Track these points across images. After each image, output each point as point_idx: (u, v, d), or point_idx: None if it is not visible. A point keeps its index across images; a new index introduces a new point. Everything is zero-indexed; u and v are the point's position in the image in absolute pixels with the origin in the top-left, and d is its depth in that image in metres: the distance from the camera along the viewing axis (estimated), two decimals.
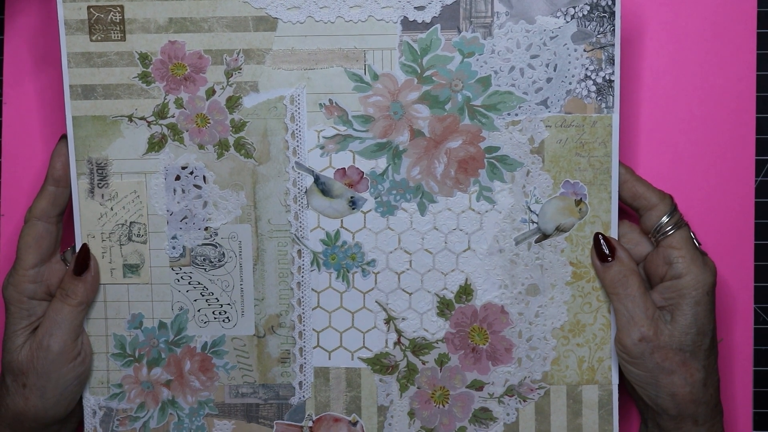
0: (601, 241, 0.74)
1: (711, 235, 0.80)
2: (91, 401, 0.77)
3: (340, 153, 0.75)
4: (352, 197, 0.75)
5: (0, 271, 0.82)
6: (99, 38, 0.74)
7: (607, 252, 0.74)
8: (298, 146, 0.75)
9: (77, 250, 0.76)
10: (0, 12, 0.82)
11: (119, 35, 0.74)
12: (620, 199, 0.75)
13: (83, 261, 0.75)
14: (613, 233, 0.75)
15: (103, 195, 0.75)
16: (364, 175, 0.75)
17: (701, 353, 0.72)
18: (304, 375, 0.76)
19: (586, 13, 0.73)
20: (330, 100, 0.74)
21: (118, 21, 0.74)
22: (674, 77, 0.80)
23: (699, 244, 0.74)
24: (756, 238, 0.80)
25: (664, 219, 0.74)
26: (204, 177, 0.75)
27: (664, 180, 0.80)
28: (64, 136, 0.75)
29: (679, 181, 0.80)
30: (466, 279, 0.76)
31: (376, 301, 0.76)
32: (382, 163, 0.75)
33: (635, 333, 0.72)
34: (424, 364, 0.76)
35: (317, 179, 0.75)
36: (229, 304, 0.76)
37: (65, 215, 0.76)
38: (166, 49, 0.74)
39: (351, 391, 0.76)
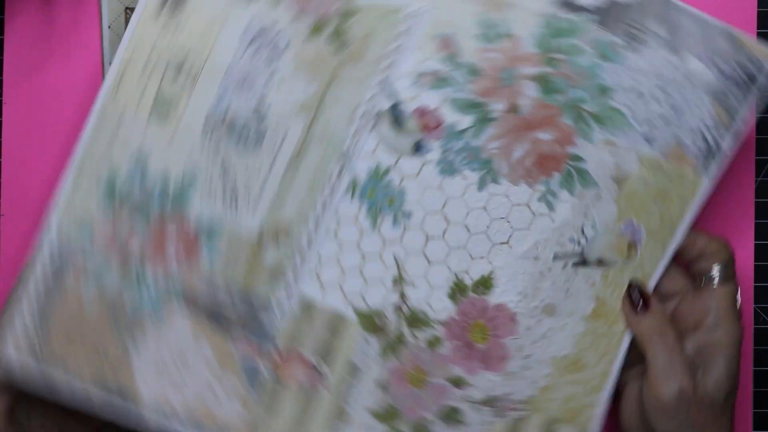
0: (637, 290, 0.71)
1: None
2: (53, 224, 0.66)
3: (432, 92, 0.68)
4: (420, 140, 0.69)
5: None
6: None
7: (640, 303, 0.71)
8: (395, 64, 0.68)
9: None
10: (0, 12, 0.78)
11: None
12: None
13: None
14: (650, 286, 0.72)
15: (172, 14, 0.65)
16: (443, 126, 0.69)
17: (729, 407, 0.70)
18: (289, 300, 0.68)
19: (735, 72, 0.70)
20: (451, 36, 0.68)
21: None
22: None
23: (740, 304, 0.72)
24: (756, 238, 0.80)
25: (716, 269, 0.71)
26: (285, 48, 0.67)
27: None
28: None
29: None
30: (491, 272, 0.70)
31: (393, 255, 0.69)
32: (466, 121, 0.69)
33: (674, 386, 0.68)
34: (414, 339, 0.70)
35: (395, 106, 0.68)
36: (245, 190, 0.67)
37: None
38: None
39: (330, 337, 0.69)
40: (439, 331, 0.70)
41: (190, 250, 0.67)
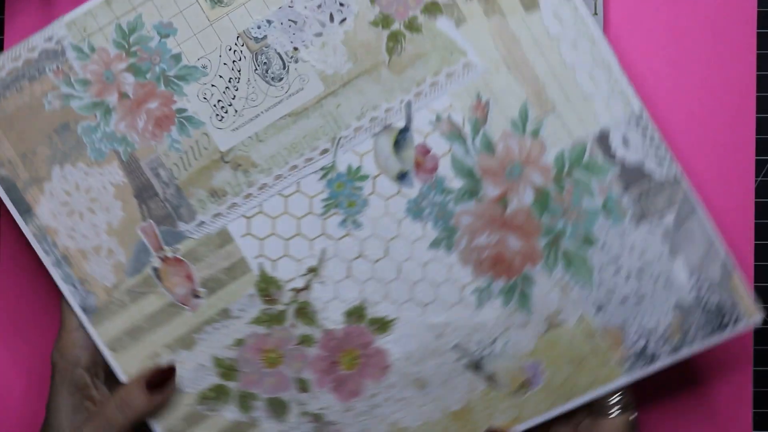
0: None
1: None
2: (60, 29, 0.68)
3: (443, 139, 0.68)
4: (407, 172, 0.69)
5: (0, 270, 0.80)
6: None
7: None
8: (426, 95, 0.67)
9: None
10: (0, 12, 0.77)
11: None
12: None
13: (161, 379, 0.69)
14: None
15: None
16: (435, 173, 0.68)
17: None
18: (211, 224, 0.70)
19: (711, 305, 0.68)
20: (487, 103, 0.67)
21: None
22: (674, 77, 0.78)
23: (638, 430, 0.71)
24: (756, 238, 0.79)
25: (619, 397, 0.70)
26: (345, 19, 0.67)
27: None
28: None
29: None
30: (395, 320, 0.70)
31: (323, 249, 0.70)
32: (456, 183, 0.68)
33: None
34: (292, 327, 0.71)
35: (405, 130, 0.68)
36: (236, 112, 0.69)
37: None
38: None
39: (224, 276, 0.70)
40: (317, 335, 0.71)
41: (160, 127, 0.69)
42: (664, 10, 0.78)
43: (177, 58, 0.68)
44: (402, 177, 0.69)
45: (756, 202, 0.80)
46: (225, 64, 0.68)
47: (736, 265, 0.69)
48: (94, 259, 0.70)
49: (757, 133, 0.79)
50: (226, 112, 0.69)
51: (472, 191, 0.68)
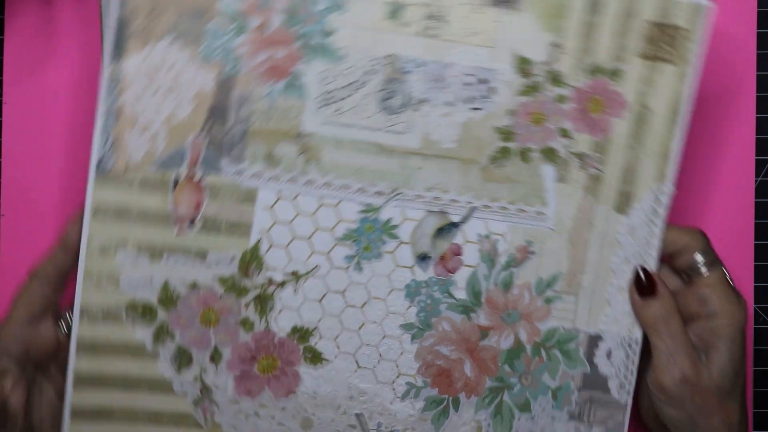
0: (642, 275, 0.72)
1: (711, 236, 0.77)
2: None
3: (476, 254, 0.72)
4: (429, 258, 0.72)
5: None
6: None
7: (647, 287, 0.71)
8: (492, 212, 0.72)
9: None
10: (0, 12, 0.81)
11: None
12: None
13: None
14: None
15: None
16: (450, 275, 0.72)
17: (737, 392, 0.70)
18: (248, 179, 0.70)
19: None
20: (531, 253, 0.72)
21: None
22: None
23: (732, 281, 0.71)
24: (756, 238, 0.80)
25: (699, 258, 0.71)
26: (477, 109, 0.71)
27: None
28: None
29: (679, 182, 0.78)
30: (329, 361, 0.73)
31: (316, 266, 0.72)
32: (461, 295, 0.72)
33: (677, 373, 0.69)
34: (245, 306, 0.72)
35: (454, 225, 0.72)
36: (338, 110, 0.70)
37: None
38: None
39: (226, 228, 0.71)
40: (258, 327, 0.72)
41: (271, 74, 0.70)
42: None
43: (327, 33, 0.70)
44: (422, 259, 0.72)
45: (756, 202, 0.82)
46: (360, 68, 0.71)
47: None
48: (137, 132, 0.70)
49: (757, 133, 0.81)
50: (330, 104, 0.71)
51: (468, 309, 0.73)
